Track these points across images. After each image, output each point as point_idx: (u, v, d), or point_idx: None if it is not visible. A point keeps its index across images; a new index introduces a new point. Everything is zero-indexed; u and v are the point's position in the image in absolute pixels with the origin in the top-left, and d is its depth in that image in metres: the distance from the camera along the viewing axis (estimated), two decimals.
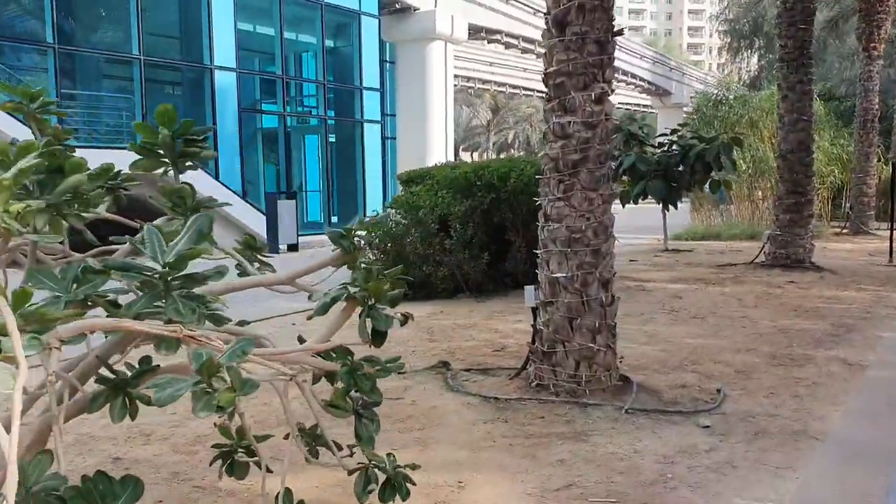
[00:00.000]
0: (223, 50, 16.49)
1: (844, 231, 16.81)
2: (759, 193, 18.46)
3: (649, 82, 55.74)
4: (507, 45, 33.80)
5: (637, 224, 19.74)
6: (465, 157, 58.38)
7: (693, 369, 5.30)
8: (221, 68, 16.58)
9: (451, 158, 26.35)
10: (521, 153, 65.17)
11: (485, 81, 47.83)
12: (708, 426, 4.08)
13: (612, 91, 4.64)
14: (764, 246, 10.94)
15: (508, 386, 4.77)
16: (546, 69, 4.61)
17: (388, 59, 25.67)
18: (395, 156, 25.75)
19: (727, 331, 6.66)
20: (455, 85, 48.69)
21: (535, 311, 4.80)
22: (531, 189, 9.20)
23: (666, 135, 13.58)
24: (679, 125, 13.84)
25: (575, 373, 4.50)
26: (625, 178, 13.73)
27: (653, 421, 4.15)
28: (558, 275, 4.56)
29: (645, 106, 67.71)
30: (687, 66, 67.47)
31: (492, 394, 4.57)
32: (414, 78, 24.72)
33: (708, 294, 8.81)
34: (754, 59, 47.00)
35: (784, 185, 10.56)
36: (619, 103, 67.86)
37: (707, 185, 13.36)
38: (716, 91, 19.17)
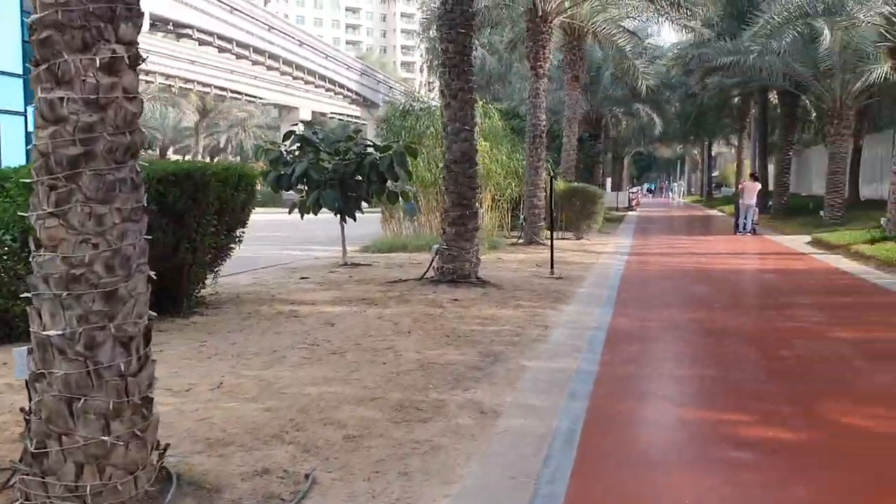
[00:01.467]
0: None
1: (519, 242, 17.32)
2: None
3: (356, 93, 55.97)
4: (201, 42, 31.10)
5: (327, 235, 18.73)
6: (176, 159, 53.48)
7: (293, 438, 4.03)
8: None
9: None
10: (236, 158, 61.73)
11: (187, 80, 43.95)
12: None
13: (141, 59, 3.17)
14: (433, 260, 10.33)
15: None
16: (30, 20, 3.00)
17: None
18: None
19: (364, 370, 5.57)
20: (150, 82, 44.10)
21: (28, 386, 3.15)
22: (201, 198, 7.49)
23: (341, 141, 12.60)
24: (352, 133, 12.91)
25: (76, 483, 2.94)
26: (301, 187, 12.50)
27: None
28: (51, 332, 2.97)
29: (356, 117, 68.25)
30: (393, 80, 69.34)
31: None
32: None
33: (365, 318, 7.78)
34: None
35: (450, 197, 10.03)
36: (332, 113, 67.56)
37: (385, 196, 12.59)
38: (403, 101, 18.84)
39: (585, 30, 22.83)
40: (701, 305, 9.35)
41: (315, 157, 12.28)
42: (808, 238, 18.60)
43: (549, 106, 32.75)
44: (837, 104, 21.04)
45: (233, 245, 8.85)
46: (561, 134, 25.49)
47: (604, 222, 24.79)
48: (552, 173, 20.07)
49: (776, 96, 30.37)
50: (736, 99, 36.47)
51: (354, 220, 12.82)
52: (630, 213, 37.84)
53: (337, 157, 12.50)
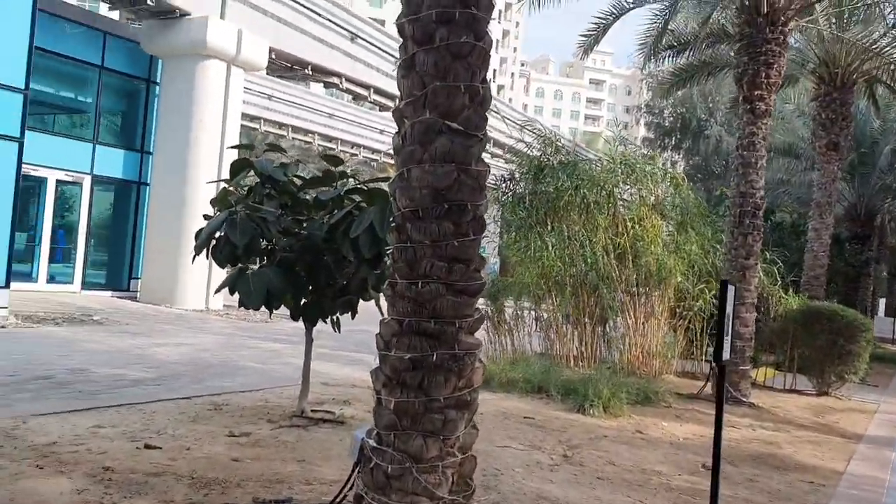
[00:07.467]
0: None
1: (705, 392, 9.97)
2: (594, 313, 11.73)
3: None
4: (356, 97, 27.12)
5: None
6: None
7: None
8: None
9: None
10: None
11: (331, 139, 38.99)
12: None
13: None
14: (352, 475, 3.88)
15: None
16: None
17: (152, 78, 19.44)
18: (146, 205, 19.08)
19: None
20: (309, 142, 39.44)
21: None
22: None
23: (318, 180, 6.83)
24: (331, 167, 6.97)
25: None
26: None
27: None
28: None
29: None
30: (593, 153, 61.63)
31: None
32: (178, 105, 18.18)
33: None
34: (680, 159, 42.25)
35: (397, 307, 3.60)
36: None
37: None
38: (535, 150, 12.41)
39: (854, 74, 15.10)
40: None
41: (285, 206, 6.62)
42: None
43: (796, 194, 24.58)
44: None
45: None
46: (806, 229, 17.40)
47: (872, 365, 16.09)
48: (780, 281, 12.53)
49: None
50: None
51: (336, 329, 6.79)
52: None
53: (319, 212, 6.72)
